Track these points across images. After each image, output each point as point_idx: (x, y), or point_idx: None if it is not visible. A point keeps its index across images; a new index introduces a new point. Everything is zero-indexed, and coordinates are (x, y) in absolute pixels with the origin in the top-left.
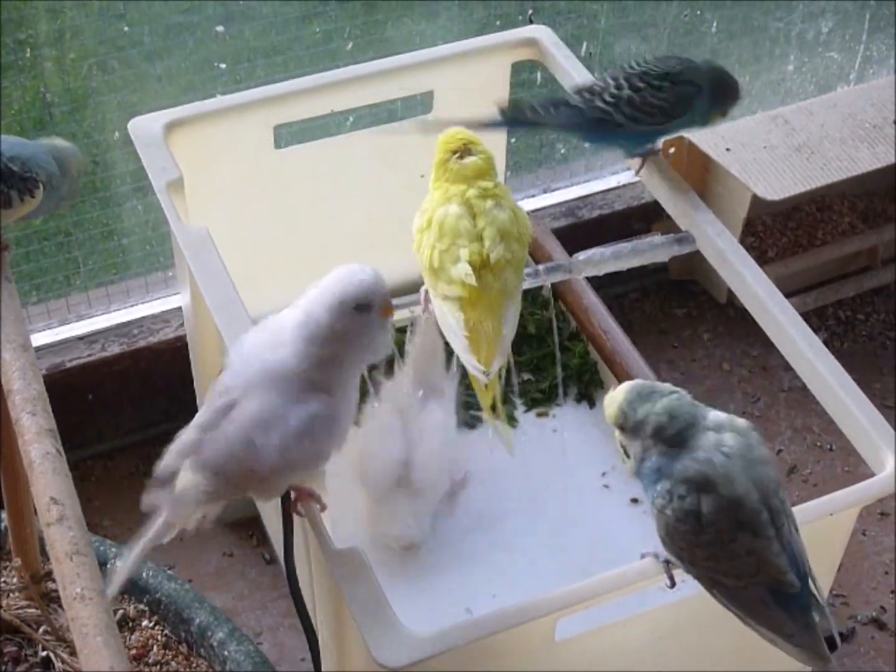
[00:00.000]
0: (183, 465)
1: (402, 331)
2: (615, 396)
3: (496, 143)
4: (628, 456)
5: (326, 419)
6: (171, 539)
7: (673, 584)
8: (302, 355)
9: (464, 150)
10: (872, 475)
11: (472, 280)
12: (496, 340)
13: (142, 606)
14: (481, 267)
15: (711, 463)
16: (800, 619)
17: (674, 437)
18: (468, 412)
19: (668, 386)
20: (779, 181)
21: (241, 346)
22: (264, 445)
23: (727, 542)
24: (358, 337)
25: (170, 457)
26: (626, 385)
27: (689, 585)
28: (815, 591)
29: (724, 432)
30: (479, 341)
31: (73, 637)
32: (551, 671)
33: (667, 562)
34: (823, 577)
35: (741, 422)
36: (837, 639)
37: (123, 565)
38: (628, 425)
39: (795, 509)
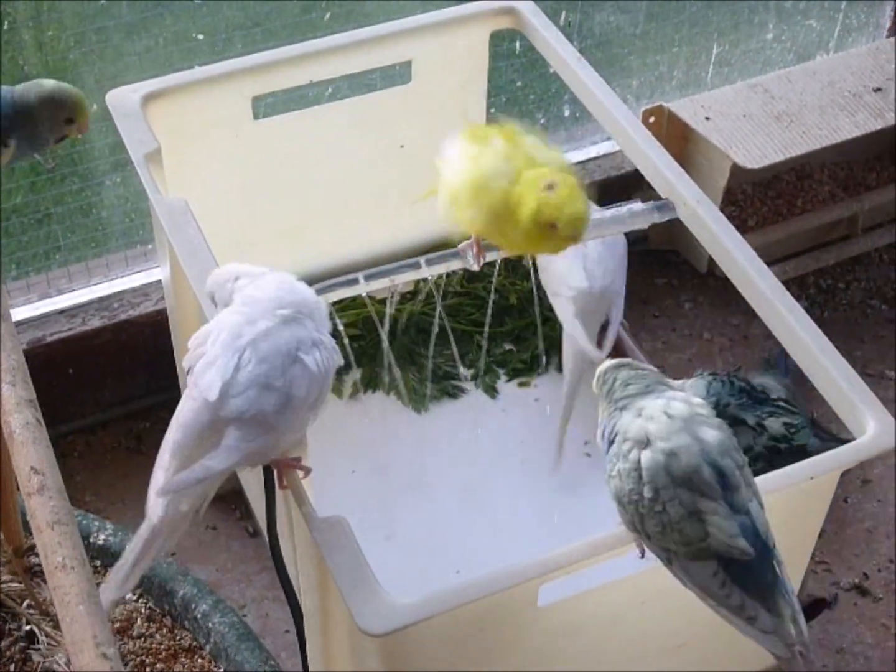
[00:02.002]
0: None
1: (382, 302)
2: (601, 367)
3: (475, 112)
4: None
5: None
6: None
7: (643, 555)
8: None
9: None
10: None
11: None
12: None
13: None
14: None
15: (652, 420)
16: (761, 599)
17: (623, 398)
18: (450, 381)
19: (647, 367)
20: (758, 150)
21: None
22: (297, 373)
23: (669, 501)
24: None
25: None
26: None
27: None
28: (779, 572)
29: (674, 401)
30: None
31: (55, 606)
32: (534, 636)
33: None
34: (805, 543)
35: (698, 399)
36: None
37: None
38: (602, 391)
39: (776, 473)
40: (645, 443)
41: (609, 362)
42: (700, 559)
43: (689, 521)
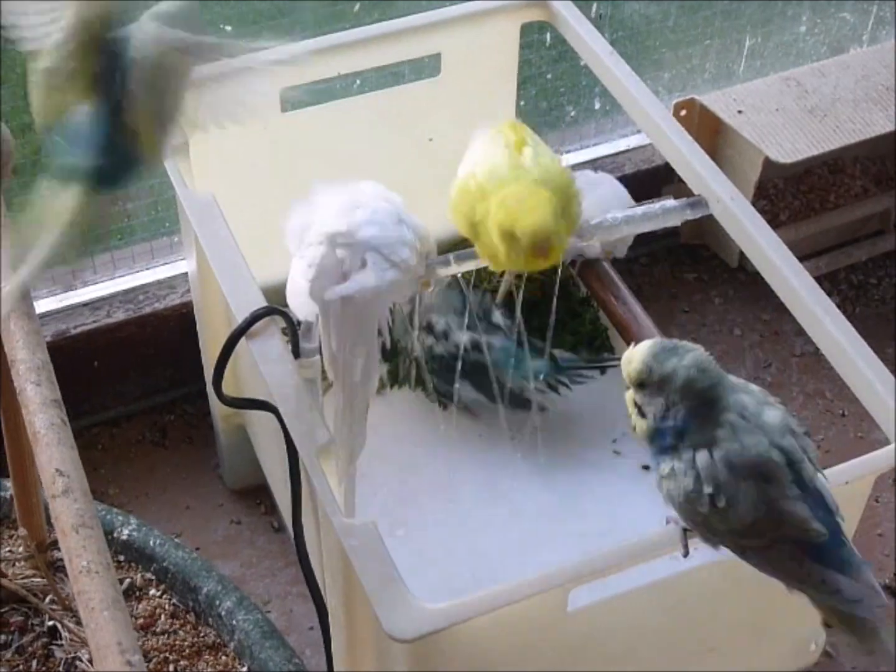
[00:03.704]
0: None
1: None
2: (637, 352)
3: (504, 105)
4: (643, 416)
5: None
6: (177, 507)
7: (686, 553)
8: None
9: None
10: (885, 440)
11: None
12: None
13: (149, 575)
14: None
15: (727, 424)
16: (840, 570)
17: (702, 392)
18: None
19: (688, 343)
20: (791, 144)
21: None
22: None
23: (734, 496)
24: None
25: None
26: (647, 342)
27: (701, 554)
28: (847, 539)
29: (742, 393)
30: None
31: (80, 611)
32: (563, 641)
33: (685, 529)
34: None
35: (753, 386)
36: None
37: None
38: (653, 380)
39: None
40: (714, 444)
41: (646, 346)
42: (774, 547)
43: (758, 513)
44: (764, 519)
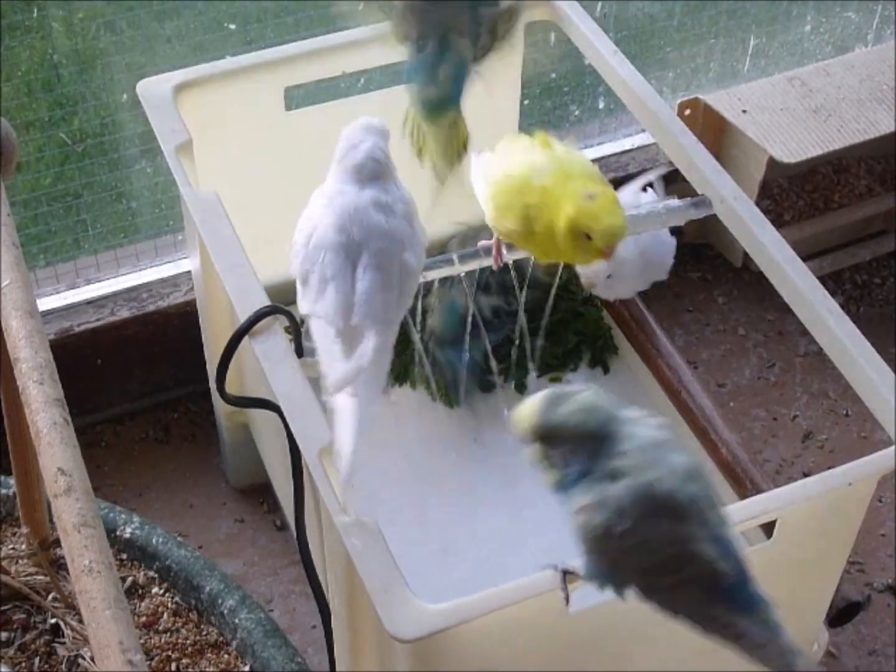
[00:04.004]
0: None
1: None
2: (527, 408)
3: (508, 104)
4: (551, 467)
5: (412, 232)
6: (180, 505)
7: (567, 601)
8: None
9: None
10: (889, 441)
11: None
12: None
13: (152, 574)
14: None
15: (626, 456)
16: (748, 614)
17: (595, 431)
18: (482, 377)
19: (579, 386)
20: (795, 143)
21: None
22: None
23: (647, 532)
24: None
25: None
26: (535, 396)
27: None
28: (756, 585)
29: (639, 426)
30: None
31: (81, 610)
32: (564, 642)
33: (565, 573)
34: (842, 547)
35: (656, 420)
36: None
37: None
38: (547, 433)
39: (814, 478)
40: (617, 475)
41: (535, 400)
42: (681, 588)
43: (669, 551)
44: (673, 557)
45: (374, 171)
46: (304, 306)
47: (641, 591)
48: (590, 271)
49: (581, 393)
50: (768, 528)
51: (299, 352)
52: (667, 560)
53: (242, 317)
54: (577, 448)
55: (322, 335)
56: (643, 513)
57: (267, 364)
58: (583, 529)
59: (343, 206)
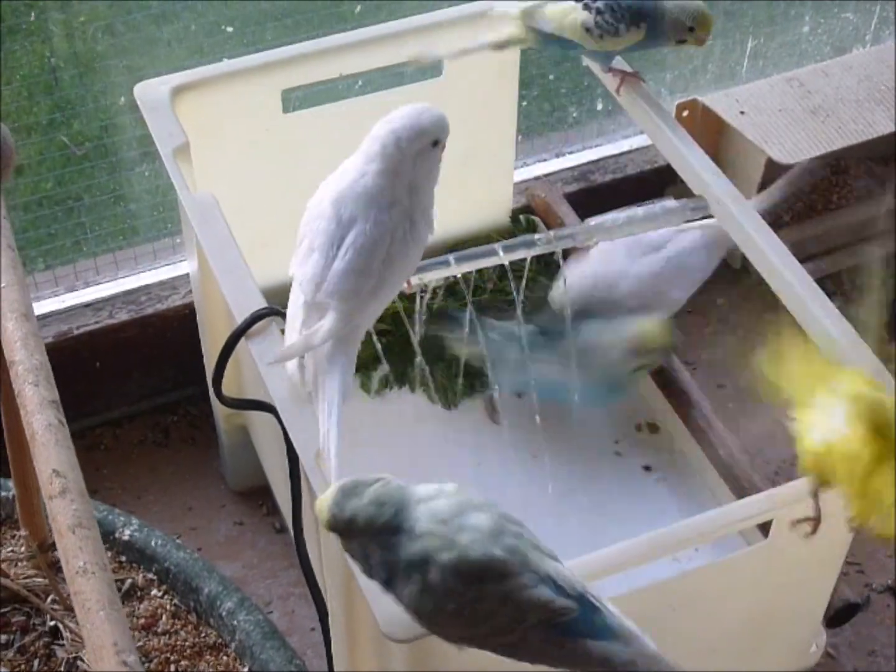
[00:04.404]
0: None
1: (411, 298)
2: (323, 502)
3: (506, 106)
4: (353, 559)
5: (411, 226)
6: (180, 507)
7: None
8: (378, 178)
9: None
10: None
11: None
12: None
13: (150, 576)
14: None
15: (427, 536)
16: (607, 639)
17: (386, 524)
18: (479, 378)
19: (372, 476)
20: (794, 144)
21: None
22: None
23: (475, 602)
24: (427, 168)
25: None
26: (331, 488)
27: (701, 555)
28: (600, 605)
29: (434, 501)
30: None
31: (76, 611)
32: None
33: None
34: (839, 547)
35: (450, 486)
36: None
37: None
38: (341, 527)
39: (810, 478)
40: (425, 562)
41: (329, 494)
42: (527, 637)
43: (505, 609)
44: (509, 614)
45: (399, 164)
46: (290, 267)
47: (498, 650)
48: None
49: (373, 485)
50: (766, 529)
51: None
52: (506, 617)
53: (239, 319)
54: (370, 542)
55: (294, 302)
56: (466, 585)
57: (263, 366)
58: (418, 617)
59: (348, 183)
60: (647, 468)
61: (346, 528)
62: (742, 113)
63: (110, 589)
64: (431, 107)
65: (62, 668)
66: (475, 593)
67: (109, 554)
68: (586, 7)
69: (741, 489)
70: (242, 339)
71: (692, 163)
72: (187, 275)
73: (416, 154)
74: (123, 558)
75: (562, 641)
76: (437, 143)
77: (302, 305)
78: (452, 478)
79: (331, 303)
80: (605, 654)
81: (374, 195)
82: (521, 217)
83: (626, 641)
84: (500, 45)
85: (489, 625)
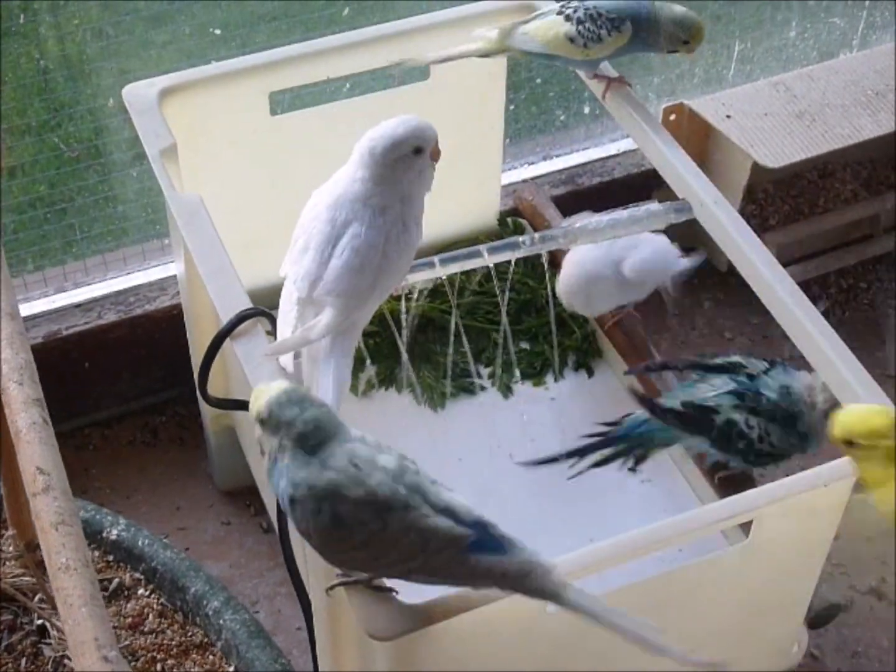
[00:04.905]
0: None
1: (398, 299)
2: (266, 391)
3: (494, 109)
4: (263, 453)
5: (403, 229)
6: (168, 507)
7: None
8: (367, 183)
9: None
10: None
11: None
12: None
13: (137, 575)
14: None
15: (340, 473)
16: (502, 553)
17: (310, 445)
18: (465, 380)
19: (318, 398)
20: (780, 148)
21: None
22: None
23: (381, 531)
24: (414, 175)
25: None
26: (279, 383)
27: (685, 554)
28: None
29: (355, 444)
30: None
31: (58, 607)
32: (544, 641)
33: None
34: (820, 548)
35: (370, 437)
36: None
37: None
38: (271, 423)
39: (789, 479)
40: (335, 496)
41: (276, 389)
42: (432, 559)
43: (408, 537)
44: (414, 540)
45: (382, 172)
46: (283, 267)
47: (402, 575)
48: (566, 289)
49: (318, 406)
50: (748, 528)
51: None
52: (410, 544)
53: (224, 319)
54: (286, 448)
55: (286, 299)
56: (374, 517)
57: (248, 366)
58: (329, 551)
59: (342, 189)
60: (632, 469)
61: (274, 427)
62: (728, 117)
63: (92, 585)
64: (415, 117)
65: (49, 667)
66: (381, 524)
67: (97, 553)
68: (567, 18)
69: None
70: (228, 340)
71: (677, 166)
72: (175, 276)
73: (395, 162)
74: (111, 558)
75: (463, 561)
76: (419, 151)
77: (296, 302)
78: (438, 477)
79: (328, 299)
80: (504, 568)
81: (367, 200)
82: (509, 220)
83: (522, 554)
84: (486, 55)
85: (395, 552)
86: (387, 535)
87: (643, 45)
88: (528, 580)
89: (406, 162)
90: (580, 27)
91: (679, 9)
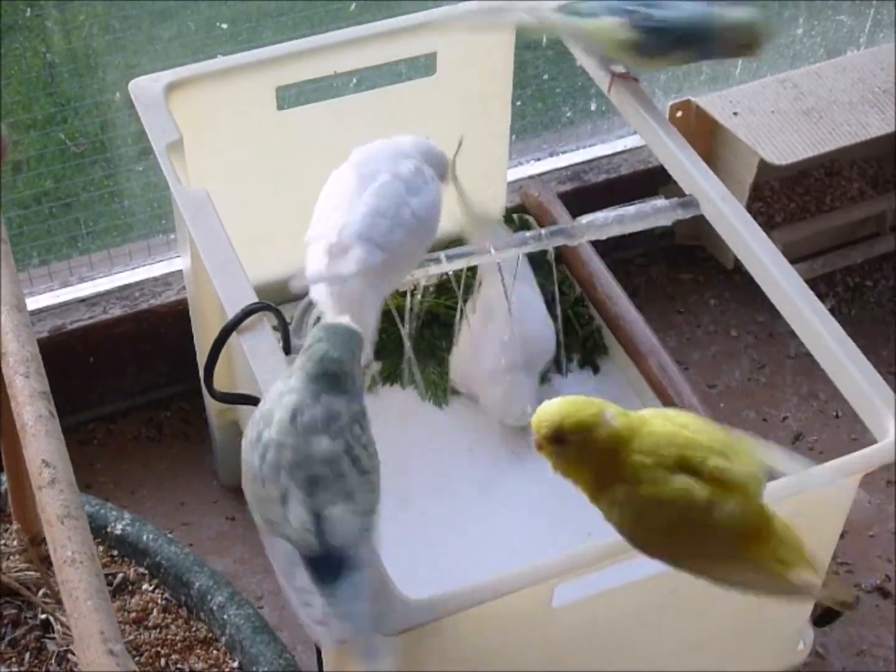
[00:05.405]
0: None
1: (403, 295)
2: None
3: (500, 106)
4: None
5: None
6: (172, 502)
7: None
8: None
9: None
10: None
11: None
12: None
13: (142, 570)
14: None
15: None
16: (324, 593)
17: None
18: None
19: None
20: (787, 146)
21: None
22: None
23: (268, 480)
24: None
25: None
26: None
27: None
28: (353, 575)
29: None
30: None
31: (64, 600)
32: (549, 637)
33: None
34: (825, 546)
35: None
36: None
37: None
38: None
39: (794, 477)
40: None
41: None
42: (277, 540)
43: (277, 504)
44: (279, 509)
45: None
46: (307, 234)
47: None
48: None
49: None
50: None
51: (287, 349)
52: (272, 509)
53: (231, 314)
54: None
55: (315, 259)
56: (273, 465)
57: (254, 360)
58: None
59: (365, 149)
60: None
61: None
62: (735, 114)
63: (98, 579)
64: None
65: (53, 661)
66: (274, 475)
67: (101, 548)
68: (634, 27)
69: None
70: (234, 334)
71: (684, 163)
72: (181, 271)
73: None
74: (115, 552)
75: (295, 561)
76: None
77: (325, 253)
78: (444, 473)
79: (355, 242)
80: (311, 601)
81: (389, 150)
82: (515, 216)
83: (333, 611)
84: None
85: (265, 503)
86: (269, 486)
87: (706, 54)
88: (319, 631)
89: None
90: (646, 38)
91: (736, 14)
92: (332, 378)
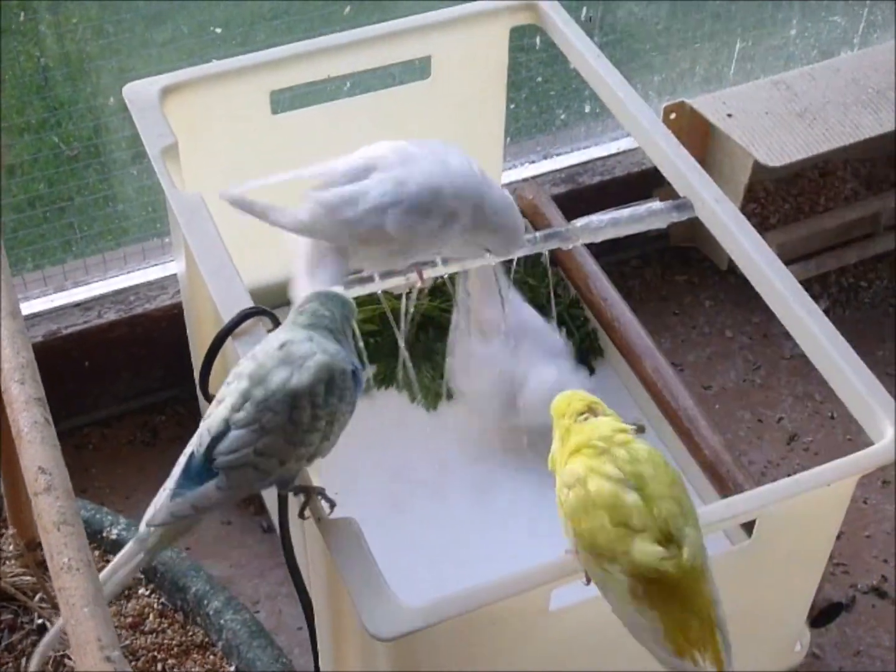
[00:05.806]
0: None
1: (399, 298)
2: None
3: (495, 108)
4: None
5: None
6: None
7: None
8: None
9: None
10: (873, 443)
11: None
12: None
13: (138, 575)
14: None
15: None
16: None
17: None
18: None
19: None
20: (781, 147)
21: None
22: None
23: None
24: None
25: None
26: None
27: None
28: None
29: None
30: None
31: (60, 607)
32: (545, 640)
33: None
34: (823, 547)
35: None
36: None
37: None
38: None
39: (792, 478)
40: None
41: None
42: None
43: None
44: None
45: None
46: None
47: None
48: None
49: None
50: (750, 528)
51: None
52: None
53: (226, 318)
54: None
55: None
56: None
57: None
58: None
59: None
60: None
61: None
62: (729, 115)
63: (95, 585)
64: None
65: (49, 667)
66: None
67: (97, 553)
68: None
69: (726, 489)
70: (229, 339)
71: (678, 165)
72: (176, 275)
73: None
74: (111, 557)
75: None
76: None
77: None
78: (435, 476)
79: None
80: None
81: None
82: None
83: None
84: None
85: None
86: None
87: None
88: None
89: None
90: None
91: None
92: (323, 330)
